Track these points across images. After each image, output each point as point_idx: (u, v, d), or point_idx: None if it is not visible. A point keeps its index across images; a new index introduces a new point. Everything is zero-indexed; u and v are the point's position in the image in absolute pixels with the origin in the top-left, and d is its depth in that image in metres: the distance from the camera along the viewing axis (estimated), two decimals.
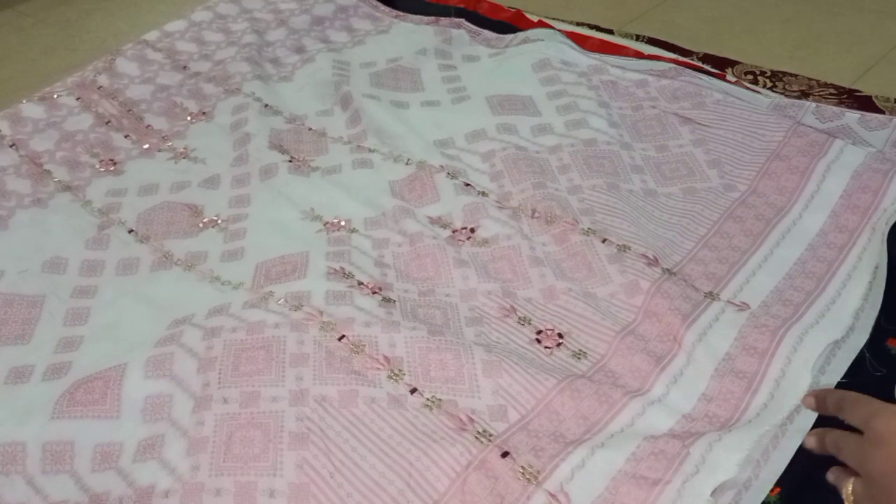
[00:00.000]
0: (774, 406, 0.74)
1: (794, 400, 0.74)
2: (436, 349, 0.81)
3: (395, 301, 0.89)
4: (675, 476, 0.67)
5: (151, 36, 1.51)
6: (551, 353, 0.84)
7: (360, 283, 0.92)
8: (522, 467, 0.70)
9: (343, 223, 1.03)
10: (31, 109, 1.31)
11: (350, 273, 0.93)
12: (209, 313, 0.89)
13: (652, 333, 0.84)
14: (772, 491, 0.67)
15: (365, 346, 0.82)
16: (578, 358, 0.83)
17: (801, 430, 0.71)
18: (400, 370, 0.80)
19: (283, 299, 0.89)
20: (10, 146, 1.23)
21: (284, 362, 0.81)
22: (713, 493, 0.65)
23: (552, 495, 0.67)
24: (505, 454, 0.71)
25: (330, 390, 0.78)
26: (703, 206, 1.00)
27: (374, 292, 0.90)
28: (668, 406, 0.76)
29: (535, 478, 0.69)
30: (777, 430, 0.71)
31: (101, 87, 1.37)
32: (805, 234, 0.94)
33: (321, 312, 0.86)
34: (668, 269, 0.90)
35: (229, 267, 0.98)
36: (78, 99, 1.35)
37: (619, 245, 0.93)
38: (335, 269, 0.94)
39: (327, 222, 1.03)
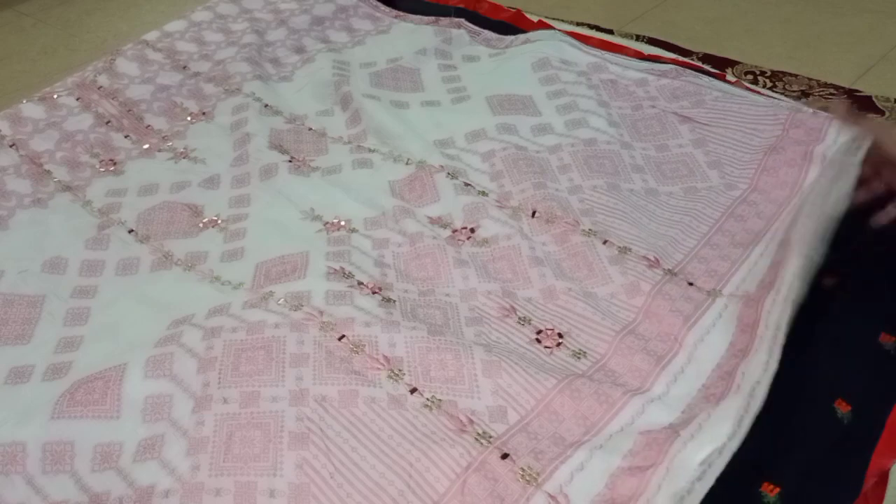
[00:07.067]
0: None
1: None
2: (436, 349, 0.81)
3: (395, 301, 0.89)
4: (665, 457, 0.67)
5: (151, 36, 1.51)
6: (551, 353, 0.83)
7: (360, 283, 0.91)
8: (522, 469, 0.70)
9: (343, 223, 1.03)
10: (31, 109, 1.31)
11: (350, 273, 0.93)
12: (209, 313, 0.88)
13: (652, 333, 0.83)
14: (772, 491, 0.67)
15: (365, 346, 0.82)
16: (578, 357, 0.83)
17: None
18: (400, 370, 0.80)
19: (283, 299, 0.89)
20: (10, 146, 1.23)
21: (284, 362, 0.81)
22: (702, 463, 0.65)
23: (552, 497, 0.67)
24: (505, 456, 0.71)
25: (330, 390, 0.78)
26: (704, 204, 1.00)
27: (374, 292, 0.90)
28: (669, 404, 0.76)
29: (535, 479, 0.69)
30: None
31: (101, 87, 1.37)
32: None
33: (321, 312, 0.86)
34: (669, 270, 0.90)
35: (229, 267, 0.98)
36: (78, 99, 1.35)
37: (619, 247, 0.93)
38: (335, 269, 0.93)
39: (327, 222, 1.03)
